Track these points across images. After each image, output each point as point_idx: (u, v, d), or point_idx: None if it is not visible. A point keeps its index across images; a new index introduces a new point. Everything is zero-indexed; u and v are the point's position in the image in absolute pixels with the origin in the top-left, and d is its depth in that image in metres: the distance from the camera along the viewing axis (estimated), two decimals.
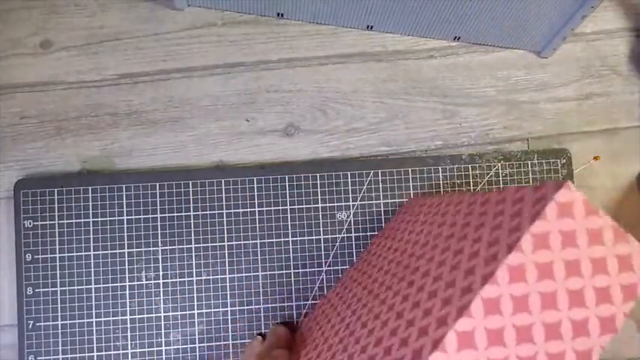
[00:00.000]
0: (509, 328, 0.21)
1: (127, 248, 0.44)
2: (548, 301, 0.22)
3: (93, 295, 0.43)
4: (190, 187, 0.44)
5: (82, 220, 0.43)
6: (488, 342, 0.21)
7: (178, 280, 0.44)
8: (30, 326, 0.42)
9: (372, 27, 0.47)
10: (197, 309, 0.43)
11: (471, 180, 0.46)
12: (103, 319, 0.43)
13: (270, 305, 0.44)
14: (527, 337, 0.22)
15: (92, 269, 0.43)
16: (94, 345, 0.42)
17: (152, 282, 0.43)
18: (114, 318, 0.43)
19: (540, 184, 0.24)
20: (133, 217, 0.44)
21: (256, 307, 0.44)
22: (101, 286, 0.43)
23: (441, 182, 0.46)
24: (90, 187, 0.44)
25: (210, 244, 0.44)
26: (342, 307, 0.37)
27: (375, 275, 0.36)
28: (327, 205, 0.45)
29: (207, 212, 0.44)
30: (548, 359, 0.22)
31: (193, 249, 0.44)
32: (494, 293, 0.22)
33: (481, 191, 0.30)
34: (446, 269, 0.27)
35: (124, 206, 0.44)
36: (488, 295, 0.21)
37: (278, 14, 0.47)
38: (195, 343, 0.43)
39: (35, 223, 0.43)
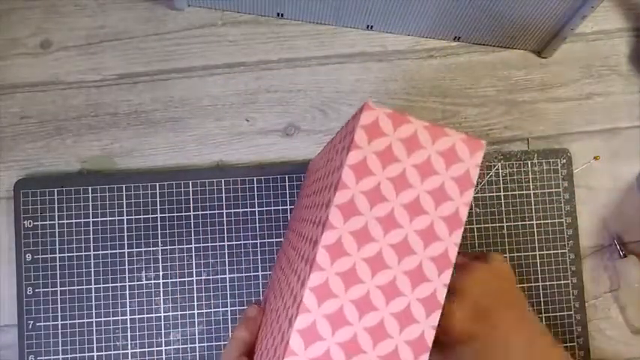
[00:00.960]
0: (360, 264, 0.21)
1: (127, 248, 0.43)
2: (389, 222, 0.21)
3: (93, 295, 0.43)
4: (190, 187, 0.44)
5: (82, 220, 0.43)
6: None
7: (178, 280, 0.44)
8: (30, 326, 0.42)
9: (372, 27, 0.47)
10: (197, 309, 0.43)
11: None
12: (103, 319, 0.43)
13: None
14: (381, 264, 0.21)
15: (92, 269, 0.43)
16: (94, 345, 0.42)
17: (152, 282, 0.43)
18: (114, 318, 0.43)
19: (353, 115, 0.23)
20: (133, 217, 0.44)
21: None
22: (101, 286, 0.43)
23: None
24: (90, 187, 0.44)
25: (210, 244, 0.44)
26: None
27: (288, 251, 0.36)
28: None
29: (207, 212, 0.44)
30: (407, 277, 0.21)
31: (193, 249, 0.44)
32: (332, 239, 0.21)
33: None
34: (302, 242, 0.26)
35: (124, 206, 0.44)
36: (328, 242, 0.21)
37: (278, 14, 0.47)
38: (195, 343, 0.43)
39: (35, 223, 0.43)
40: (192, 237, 0.44)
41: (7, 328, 0.43)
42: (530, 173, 0.47)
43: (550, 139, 0.48)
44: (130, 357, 0.42)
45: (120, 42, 0.46)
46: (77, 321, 0.42)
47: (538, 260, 0.46)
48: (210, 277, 0.44)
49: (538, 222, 0.46)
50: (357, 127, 0.22)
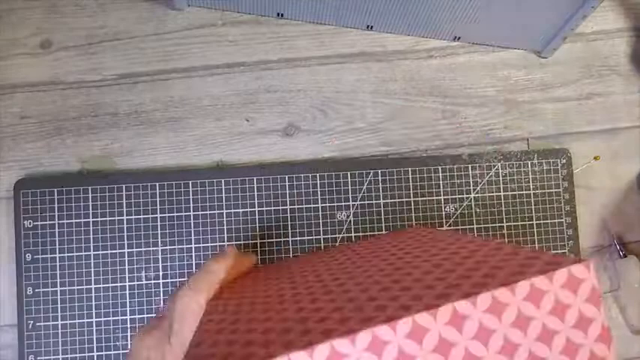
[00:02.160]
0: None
1: (127, 248, 0.43)
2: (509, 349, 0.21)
3: (93, 295, 0.43)
4: (190, 187, 0.44)
5: (82, 220, 0.43)
6: None
7: (178, 280, 0.44)
8: (30, 326, 0.42)
9: (372, 27, 0.47)
10: None
11: (470, 180, 0.46)
12: (103, 319, 0.43)
13: None
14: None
15: (92, 269, 0.43)
16: (94, 345, 0.42)
17: (152, 282, 0.43)
18: (114, 318, 0.43)
19: (557, 256, 0.23)
20: (133, 217, 0.44)
21: None
22: (101, 286, 0.43)
23: (441, 182, 0.46)
24: (90, 187, 0.44)
25: (210, 244, 0.44)
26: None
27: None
28: (327, 205, 0.45)
29: (207, 212, 0.44)
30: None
31: (193, 249, 0.44)
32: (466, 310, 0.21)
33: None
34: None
35: (124, 206, 0.44)
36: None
37: (278, 14, 0.47)
38: None
39: (35, 223, 0.43)
40: (192, 237, 0.44)
41: (7, 328, 0.43)
42: (530, 173, 0.47)
43: (550, 139, 0.48)
44: None
45: (120, 42, 0.46)
46: (77, 321, 0.42)
47: None
48: None
49: (538, 222, 0.46)
50: (566, 268, 0.21)
